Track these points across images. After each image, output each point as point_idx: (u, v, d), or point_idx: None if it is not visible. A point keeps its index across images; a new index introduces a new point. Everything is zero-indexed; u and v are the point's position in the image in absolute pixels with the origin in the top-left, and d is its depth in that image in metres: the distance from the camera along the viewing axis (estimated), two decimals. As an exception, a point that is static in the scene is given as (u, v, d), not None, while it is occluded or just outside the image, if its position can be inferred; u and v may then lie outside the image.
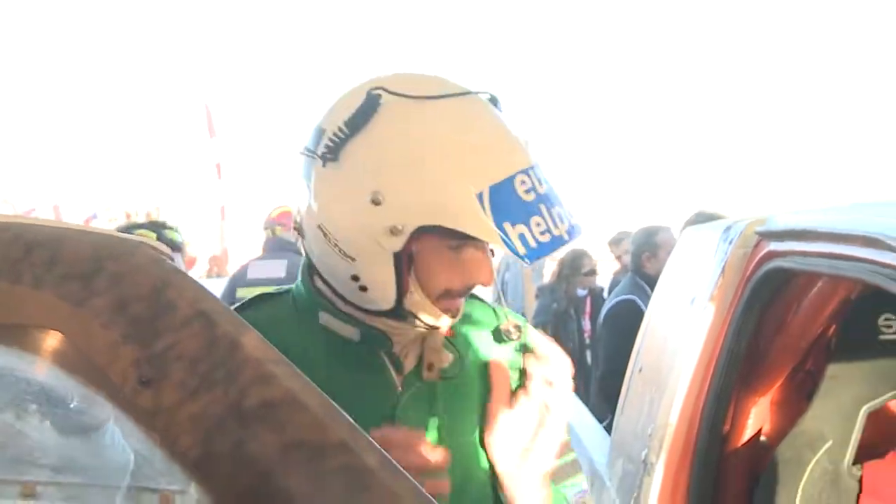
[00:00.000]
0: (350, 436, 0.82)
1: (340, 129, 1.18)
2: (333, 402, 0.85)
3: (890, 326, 1.99)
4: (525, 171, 1.16)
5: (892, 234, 1.41)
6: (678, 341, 2.24)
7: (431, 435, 1.28)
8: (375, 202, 1.15)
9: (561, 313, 6.34)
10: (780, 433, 2.15)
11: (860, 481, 1.97)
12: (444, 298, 1.23)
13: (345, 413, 0.84)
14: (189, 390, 0.80)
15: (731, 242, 2.10)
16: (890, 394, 2.00)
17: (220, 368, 0.81)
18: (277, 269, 5.07)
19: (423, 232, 1.15)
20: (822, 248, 1.72)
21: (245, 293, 4.87)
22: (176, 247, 2.46)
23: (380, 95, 1.18)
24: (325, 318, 1.28)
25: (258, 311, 1.32)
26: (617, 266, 6.70)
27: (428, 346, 1.31)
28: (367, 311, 1.26)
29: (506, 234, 1.13)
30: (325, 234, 1.21)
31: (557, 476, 1.37)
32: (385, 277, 1.20)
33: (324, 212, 1.21)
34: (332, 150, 1.19)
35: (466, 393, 1.33)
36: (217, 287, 5.13)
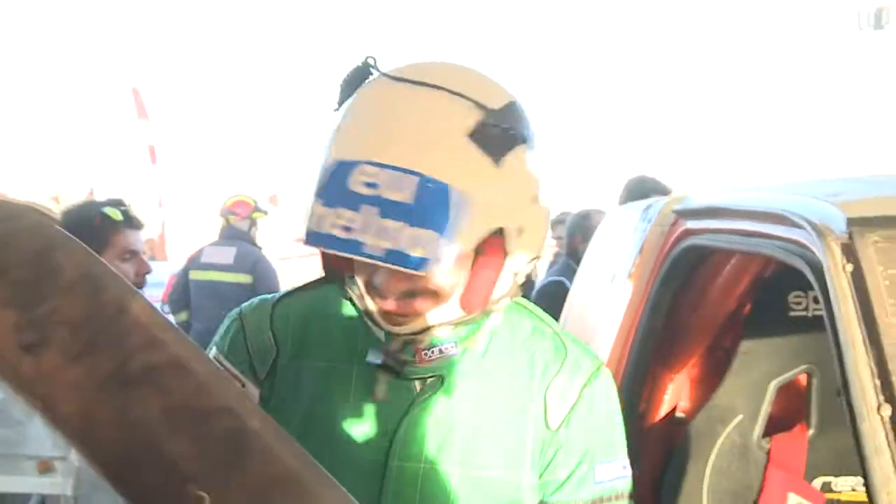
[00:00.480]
0: (235, 401, 0.81)
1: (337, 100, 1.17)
2: (222, 368, 0.84)
3: (799, 303, 2.04)
4: (384, 167, 1.04)
5: (797, 210, 1.44)
6: (598, 319, 2.27)
7: (436, 462, 1.20)
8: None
9: None
10: (698, 409, 2.19)
11: (768, 453, 2.03)
12: (372, 295, 1.14)
13: (233, 379, 0.84)
14: (72, 355, 0.79)
15: (649, 221, 2.13)
16: (798, 368, 2.06)
17: (105, 333, 0.80)
18: (227, 255, 5.34)
19: None
20: (735, 225, 1.76)
21: (198, 275, 5.29)
22: (142, 225, 2.53)
23: (371, 72, 1.14)
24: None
25: (327, 291, 1.27)
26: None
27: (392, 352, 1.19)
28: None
29: (311, 205, 1.05)
30: None
31: None
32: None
33: None
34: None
35: (484, 432, 1.21)
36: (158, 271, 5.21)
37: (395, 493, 1.17)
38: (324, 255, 1.16)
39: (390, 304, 1.12)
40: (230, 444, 0.79)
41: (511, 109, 1.12)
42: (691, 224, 1.97)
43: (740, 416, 2.03)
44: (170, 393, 0.79)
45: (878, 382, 1.13)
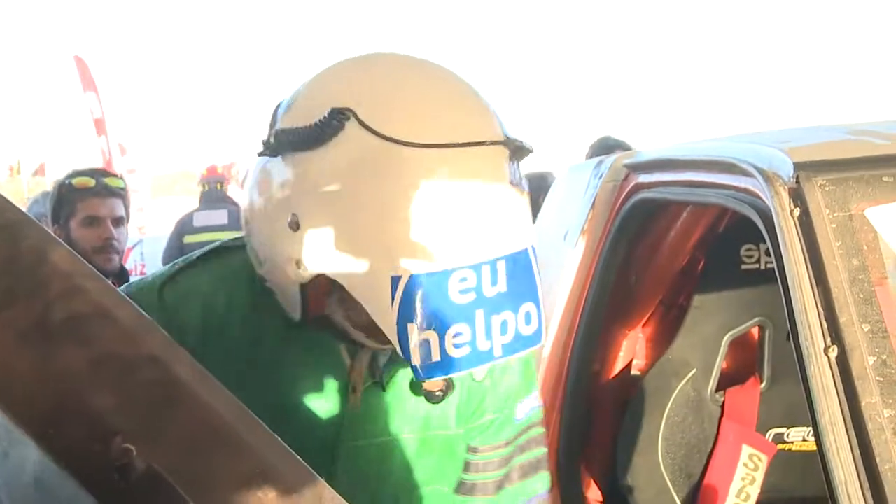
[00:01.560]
0: (162, 349, 0.79)
1: (291, 133, 1.01)
2: (147, 316, 0.81)
3: (751, 256, 2.05)
4: (476, 267, 0.93)
5: (745, 158, 1.43)
6: (552, 276, 2.26)
7: (390, 432, 1.19)
8: (292, 226, 1.00)
9: None
10: (653, 366, 2.21)
11: (722, 406, 2.05)
12: (369, 331, 1.05)
13: (160, 327, 0.81)
14: (-12, 305, 0.76)
15: (601, 177, 2.12)
16: (751, 322, 2.08)
17: (24, 283, 0.77)
18: (220, 217, 5.67)
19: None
20: (685, 176, 1.76)
21: (193, 239, 5.41)
22: (117, 193, 2.58)
23: (347, 118, 0.97)
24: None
25: (223, 265, 1.18)
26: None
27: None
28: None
29: (404, 335, 0.93)
30: (248, 223, 1.10)
31: (524, 471, 1.30)
32: (292, 296, 1.06)
33: (250, 202, 1.09)
34: (274, 148, 1.03)
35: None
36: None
37: (347, 470, 1.15)
38: (304, 299, 1.06)
39: None
40: (157, 395, 0.77)
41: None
42: (643, 178, 1.97)
43: (694, 371, 2.05)
44: (93, 343, 0.76)
45: (825, 324, 1.14)
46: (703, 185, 1.66)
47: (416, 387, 1.16)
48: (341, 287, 0.99)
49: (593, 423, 2.19)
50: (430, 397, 1.11)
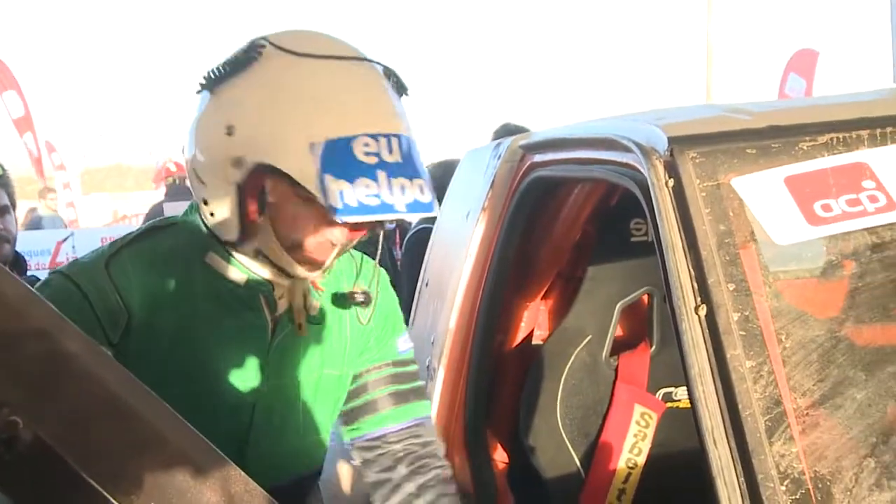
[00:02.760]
0: (50, 323, 0.76)
1: (219, 68, 1.22)
2: (34, 291, 0.79)
3: (640, 229, 2.09)
4: (375, 136, 1.16)
5: (626, 134, 1.45)
6: (456, 254, 2.27)
7: (299, 374, 1.35)
8: (228, 133, 1.19)
9: (366, 244, 6.39)
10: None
11: (615, 370, 2.08)
12: (296, 250, 1.25)
13: (47, 302, 0.79)
14: None
15: (499, 157, 2.13)
16: (640, 290, 2.12)
17: None
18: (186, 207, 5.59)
19: (264, 173, 1.18)
20: (573, 154, 1.77)
21: None
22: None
23: (263, 46, 1.21)
24: (211, 257, 1.29)
25: (157, 242, 1.31)
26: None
27: (294, 294, 1.34)
28: (248, 256, 1.28)
29: (325, 184, 1.13)
30: (190, 159, 1.26)
31: (409, 396, 1.50)
32: (229, 207, 1.22)
33: (191, 137, 1.26)
34: (209, 83, 1.23)
35: (327, 341, 1.39)
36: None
37: (266, 408, 1.31)
38: (241, 209, 1.22)
39: (315, 256, 1.26)
40: (44, 368, 0.74)
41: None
42: (537, 157, 1.98)
43: (589, 337, 2.08)
44: (-23, 318, 0.73)
45: (695, 285, 1.16)
46: (590, 161, 1.68)
47: (342, 298, 1.39)
48: (272, 182, 1.19)
49: (498, 390, 2.21)
50: (354, 300, 1.36)
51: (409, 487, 1.49)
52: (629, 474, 2.00)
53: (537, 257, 2.18)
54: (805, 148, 1.26)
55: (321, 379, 1.39)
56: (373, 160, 1.15)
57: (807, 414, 1.08)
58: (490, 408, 2.17)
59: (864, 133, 1.27)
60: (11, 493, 0.71)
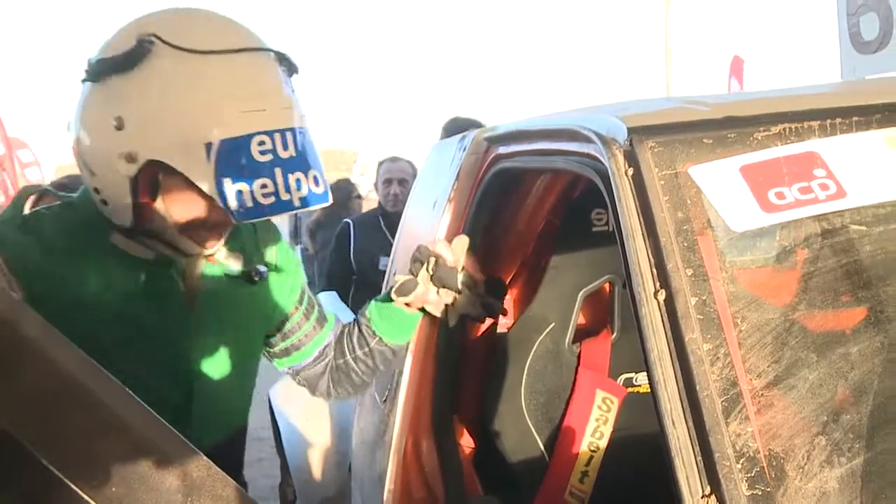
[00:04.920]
0: (8, 310, 0.73)
1: (105, 61, 1.18)
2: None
3: (601, 219, 2.08)
4: (270, 133, 1.15)
5: (587, 125, 1.44)
6: (423, 242, 2.25)
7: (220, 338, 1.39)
8: (118, 127, 1.15)
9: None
10: (518, 323, 2.22)
11: (578, 356, 2.08)
12: (190, 230, 1.25)
13: (9, 292, 0.76)
14: None
15: (464, 150, 2.12)
16: (602, 279, 2.11)
17: None
18: None
19: (157, 166, 1.16)
20: (536, 146, 1.76)
21: None
22: None
23: (152, 43, 1.16)
24: (118, 238, 1.27)
25: (60, 218, 1.29)
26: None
27: (193, 267, 1.35)
28: (151, 237, 1.27)
29: (222, 187, 1.12)
30: (78, 148, 1.23)
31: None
32: (122, 198, 1.20)
33: (77, 125, 1.22)
34: (94, 73, 1.19)
35: (234, 306, 1.42)
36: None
37: (198, 373, 1.34)
38: (135, 199, 1.20)
39: (208, 235, 1.28)
40: (4, 355, 0.72)
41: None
42: (501, 149, 1.96)
43: (552, 325, 2.08)
44: (-69, 305, 0.71)
45: (654, 271, 1.15)
46: (552, 153, 1.67)
47: (243, 276, 1.40)
48: (165, 174, 1.17)
49: (464, 377, 2.20)
50: (251, 278, 1.39)
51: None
52: (591, 457, 2.01)
53: (502, 247, 2.17)
54: (759, 138, 1.26)
55: (237, 340, 1.41)
56: (268, 158, 1.14)
57: (761, 395, 1.08)
58: (456, 394, 2.16)
59: (815, 124, 1.27)
60: (-33, 479, 0.68)
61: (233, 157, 1.13)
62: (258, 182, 1.13)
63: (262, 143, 1.14)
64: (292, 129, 1.18)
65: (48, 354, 0.74)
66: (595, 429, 2.01)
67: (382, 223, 4.38)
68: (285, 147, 1.16)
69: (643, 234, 1.19)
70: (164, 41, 1.16)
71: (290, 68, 1.26)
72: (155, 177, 1.18)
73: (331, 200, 1.21)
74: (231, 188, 1.12)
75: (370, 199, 6.94)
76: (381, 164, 4.74)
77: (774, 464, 1.02)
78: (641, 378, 2.10)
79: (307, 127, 1.23)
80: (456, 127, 4.06)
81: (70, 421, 0.74)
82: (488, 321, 2.31)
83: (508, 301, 2.36)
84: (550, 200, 2.08)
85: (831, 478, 1.03)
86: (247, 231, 1.46)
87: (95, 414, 0.75)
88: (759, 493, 0.99)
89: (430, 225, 2.20)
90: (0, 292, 0.74)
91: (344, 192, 6.30)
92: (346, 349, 1.62)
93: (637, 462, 1.84)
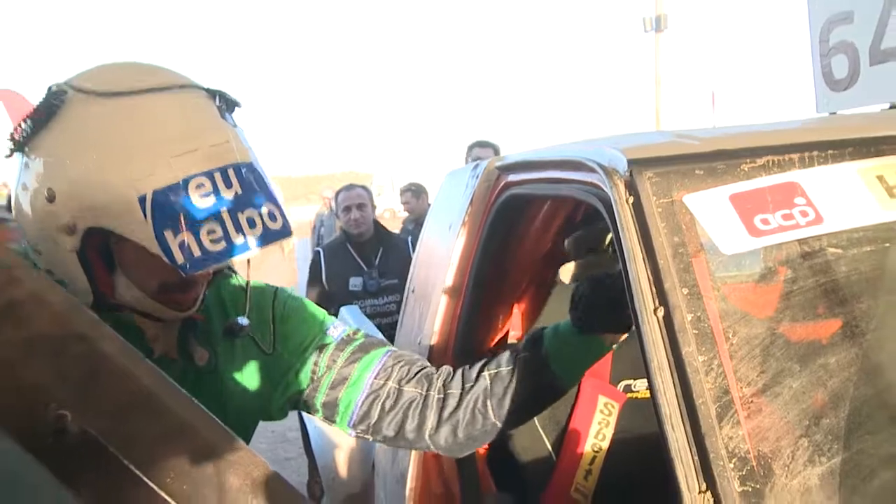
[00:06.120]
0: (89, 328, 0.78)
1: (25, 123, 1.01)
2: (76, 300, 0.80)
3: (601, 241, 2.11)
4: (207, 174, 0.98)
5: (591, 157, 1.47)
6: (440, 261, 2.28)
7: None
8: (49, 199, 0.98)
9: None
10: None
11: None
12: (164, 293, 1.07)
13: (88, 310, 0.80)
14: (-68, 296, 0.74)
15: (477, 177, 2.15)
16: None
17: (-34, 275, 0.75)
18: None
19: (99, 234, 0.98)
20: (544, 174, 1.79)
21: None
22: None
23: (64, 92, 1.00)
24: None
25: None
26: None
27: (169, 334, 1.15)
28: (123, 310, 1.08)
29: (165, 242, 0.94)
30: (22, 230, 1.05)
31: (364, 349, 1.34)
32: (74, 274, 1.01)
33: (17, 204, 1.05)
34: (17, 143, 1.02)
35: (213, 383, 1.19)
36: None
37: None
38: (88, 273, 1.02)
39: (182, 295, 1.09)
40: (86, 367, 0.76)
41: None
42: (511, 177, 2.00)
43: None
44: (28, 324, 0.75)
45: (654, 289, 1.18)
46: (559, 181, 1.70)
47: (230, 330, 1.18)
48: (115, 241, 0.99)
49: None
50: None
51: (438, 398, 1.32)
52: (594, 457, 2.02)
53: (511, 266, 2.20)
54: (746, 169, 1.29)
55: (234, 412, 1.18)
56: (210, 201, 0.97)
57: (751, 401, 1.10)
58: (471, 400, 2.18)
59: (795, 156, 1.30)
60: (63, 478, 0.72)
61: (169, 208, 0.95)
62: (204, 229, 0.96)
63: (200, 185, 0.97)
64: (234, 166, 1.00)
65: (124, 368, 0.78)
66: (598, 431, 2.03)
67: (350, 247, 4.39)
68: (228, 186, 0.98)
69: (643, 256, 1.21)
70: (76, 88, 1.01)
71: (227, 104, 1.07)
72: (105, 245, 1.02)
73: (292, 234, 1.05)
74: (174, 241, 0.94)
75: (382, 219, 6.97)
76: (337, 193, 4.71)
77: (763, 463, 1.05)
78: (639, 384, 2.12)
79: (254, 160, 1.04)
80: (478, 146, 4.53)
81: (145, 426, 0.78)
82: (500, 332, 2.35)
83: (517, 314, 2.39)
84: (556, 224, 2.11)
85: (813, 475, 1.05)
86: (235, 296, 1.24)
87: (166, 420, 0.79)
88: (750, 490, 1.02)
89: (446, 245, 2.23)
90: (81, 313, 0.78)
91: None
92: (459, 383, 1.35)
93: (636, 461, 1.86)
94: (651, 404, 1.13)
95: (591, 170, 1.45)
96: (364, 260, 4.32)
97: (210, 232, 0.96)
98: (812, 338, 1.20)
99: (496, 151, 4.87)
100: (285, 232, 1.03)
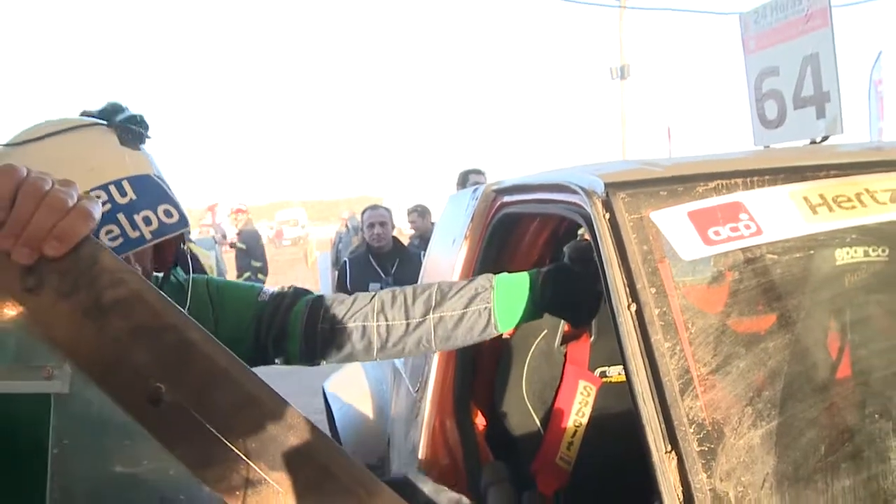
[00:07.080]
0: (178, 320, 0.82)
1: None
2: (166, 297, 0.85)
3: (581, 251, 2.15)
4: (104, 187, 1.01)
5: (574, 181, 1.52)
6: (445, 270, 2.33)
7: None
8: None
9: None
10: (517, 330, 2.27)
11: (565, 355, 2.14)
12: None
13: (176, 305, 0.85)
14: (62, 294, 0.79)
15: (477, 199, 2.20)
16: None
17: (84, 277, 0.80)
18: None
19: None
20: (534, 196, 1.84)
21: None
22: None
23: None
24: None
25: None
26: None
27: None
28: None
29: None
30: None
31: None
32: None
33: None
34: None
35: None
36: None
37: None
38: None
39: None
40: (177, 351, 0.81)
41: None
42: (506, 198, 2.05)
43: (545, 331, 2.13)
44: (132, 317, 0.80)
45: (627, 289, 1.22)
46: (546, 201, 1.75)
47: None
48: None
49: (477, 372, 2.26)
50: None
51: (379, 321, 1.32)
52: (576, 431, 2.06)
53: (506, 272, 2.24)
54: (701, 191, 1.34)
55: None
56: (106, 208, 1.01)
57: (706, 379, 1.14)
58: (473, 385, 2.23)
59: (740, 181, 1.35)
60: (159, 438, 0.78)
61: None
62: (103, 231, 1.00)
63: (97, 196, 1.01)
64: (127, 178, 1.04)
65: (206, 351, 0.82)
66: (578, 409, 2.06)
67: (371, 257, 4.52)
68: (123, 194, 1.02)
69: (618, 262, 1.25)
70: (2, 144, 1.04)
71: (134, 136, 1.10)
72: None
73: (188, 226, 1.07)
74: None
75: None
76: (364, 211, 4.83)
77: (716, 427, 1.09)
78: (613, 371, 2.15)
79: (151, 173, 1.08)
80: (466, 173, 4.54)
81: (222, 398, 0.82)
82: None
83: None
84: (543, 237, 2.16)
85: (755, 436, 1.10)
86: (177, 297, 1.18)
87: (239, 392, 0.83)
88: (706, 449, 1.06)
89: (450, 257, 2.28)
90: (172, 308, 0.82)
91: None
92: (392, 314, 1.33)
93: (610, 434, 1.89)
94: (623, 388, 1.15)
95: (574, 192, 1.49)
96: (382, 269, 4.42)
97: (108, 232, 1.00)
98: (754, 328, 1.24)
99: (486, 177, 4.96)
100: (182, 224, 1.05)
